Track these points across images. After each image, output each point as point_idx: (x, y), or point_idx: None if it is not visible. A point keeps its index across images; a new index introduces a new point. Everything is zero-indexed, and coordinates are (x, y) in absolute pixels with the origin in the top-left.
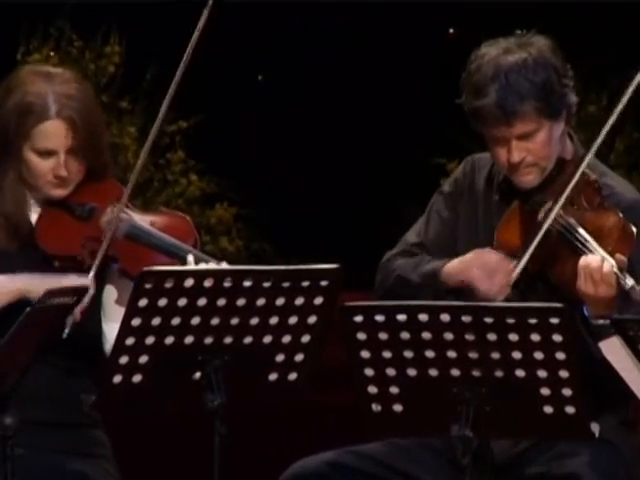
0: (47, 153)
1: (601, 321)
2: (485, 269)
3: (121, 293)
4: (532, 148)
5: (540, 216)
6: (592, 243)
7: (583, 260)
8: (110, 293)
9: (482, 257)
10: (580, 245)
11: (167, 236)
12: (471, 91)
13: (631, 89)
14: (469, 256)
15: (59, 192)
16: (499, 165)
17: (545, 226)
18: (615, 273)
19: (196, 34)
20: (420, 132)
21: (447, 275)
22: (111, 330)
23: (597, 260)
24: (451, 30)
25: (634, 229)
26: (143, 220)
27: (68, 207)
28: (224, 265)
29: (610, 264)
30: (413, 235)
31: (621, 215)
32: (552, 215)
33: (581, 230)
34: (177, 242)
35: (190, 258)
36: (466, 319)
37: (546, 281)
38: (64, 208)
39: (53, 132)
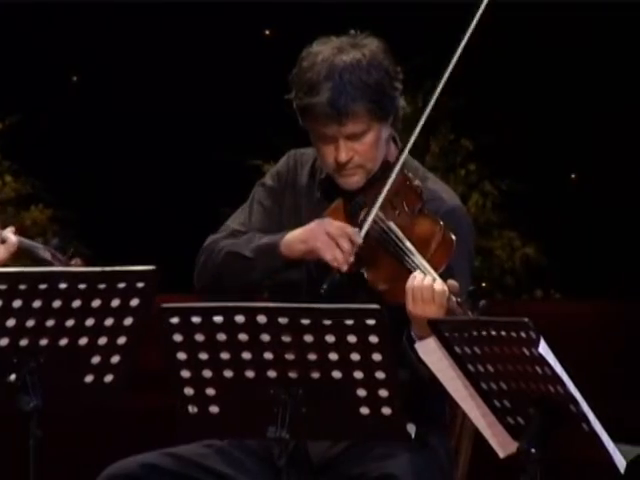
0: None
1: (419, 340)
2: (329, 237)
3: None
4: (360, 149)
5: (361, 217)
6: (412, 251)
7: (412, 279)
8: None
9: (324, 225)
10: (399, 250)
11: None
12: (303, 88)
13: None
14: (311, 225)
15: None
16: (325, 164)
17: (365, 228)
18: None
19: None
20: (236, 133)
21: (288, 245)
22: None
23: (428, 279)
24: (267, 31)
25: (453, 237)
26: None
27: None
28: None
29: (441, 284)
30: (236, 223)
31: (442, 223)
32: (370, 218)
33: (401, 235)
34: None
35: None
36: (283, 320)
37: (366, 286)
38: None
39: None
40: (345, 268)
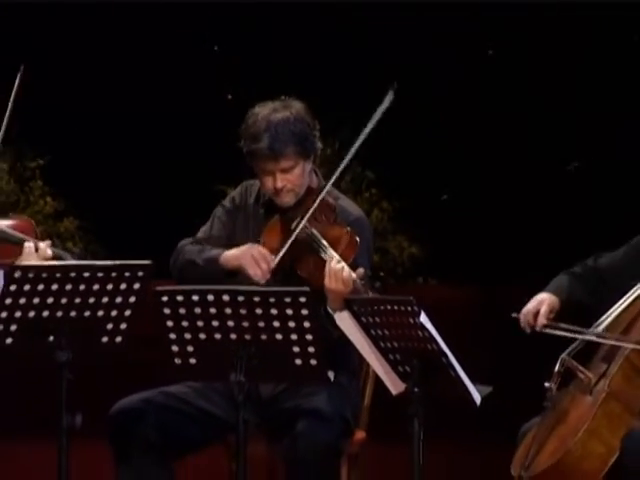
0: None
1: (336, 312)
2: (254, 258)
3: None
4: (290, 178)
5: (292, 226)
6: (328, 248)
7: (331, 265)
8: None
9: (252, 249)
10: (319, 248)
11: (14, 232)
12: (249, 138)
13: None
14: (243, 248)
15: None
16: (267, 190)
17: (295, 234)
18: (354, 279)
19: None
20: (207, 165)
21: (225, 260)
22: None
23: (341, 265)
24: (229, 96)
25: (357, 239)
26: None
27: None
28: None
29: (349, 270)
30: (201, 233)
31: (348, 229)
32: (300, 226)
33: (321, 238)
34: (21, 235)
35: (26, 244)
36: (240, 298)
37: (296, 274)
38: None
39: None
40: (262, 282)
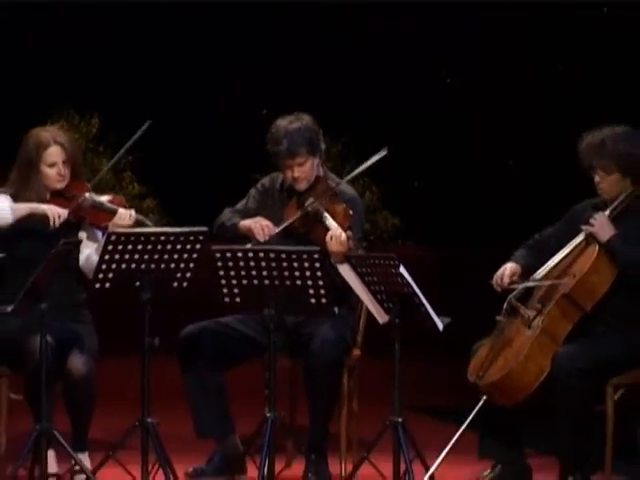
0: (52, 164)
1: (339, 265)
2: (261, 226)
3: (90, 235)
4: (304, 170)
5: (306, 204)
6: (329, 218)
7: (332, 231)
8: (84, 235)
9: (261, 220)
10: (323, 218)
11: (111, 204)
12: (273, 142)
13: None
14: (255, 218)
15: (60, 185)
16: (287, 179)
17: (299, 214)
18: (347, 238)
19: None
20: (246, 158)
21: (242, 225)
22: (85, 254)
23: (340, 231)
24: (264, 110)
25: (351, 212)
26: (100, 197)
27: (62, 194)
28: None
29: (345, 235)
30: (239, 205)
31: (344, 205)
32: (285, 224)
33: (324, 212)
34: (115, 207)
35: (119, 212)
36: (271, 255)
37: (309, 239)
38: (61, 194)
39: (54, 152)
40: (262, 240)
